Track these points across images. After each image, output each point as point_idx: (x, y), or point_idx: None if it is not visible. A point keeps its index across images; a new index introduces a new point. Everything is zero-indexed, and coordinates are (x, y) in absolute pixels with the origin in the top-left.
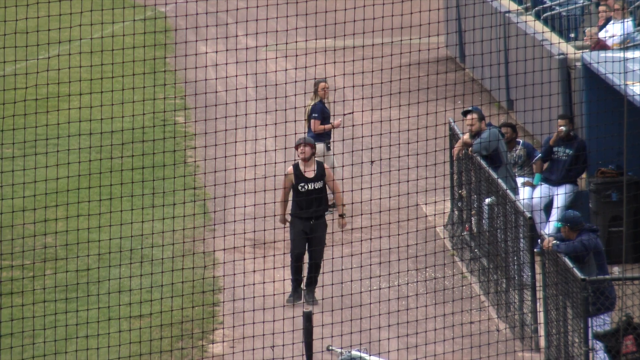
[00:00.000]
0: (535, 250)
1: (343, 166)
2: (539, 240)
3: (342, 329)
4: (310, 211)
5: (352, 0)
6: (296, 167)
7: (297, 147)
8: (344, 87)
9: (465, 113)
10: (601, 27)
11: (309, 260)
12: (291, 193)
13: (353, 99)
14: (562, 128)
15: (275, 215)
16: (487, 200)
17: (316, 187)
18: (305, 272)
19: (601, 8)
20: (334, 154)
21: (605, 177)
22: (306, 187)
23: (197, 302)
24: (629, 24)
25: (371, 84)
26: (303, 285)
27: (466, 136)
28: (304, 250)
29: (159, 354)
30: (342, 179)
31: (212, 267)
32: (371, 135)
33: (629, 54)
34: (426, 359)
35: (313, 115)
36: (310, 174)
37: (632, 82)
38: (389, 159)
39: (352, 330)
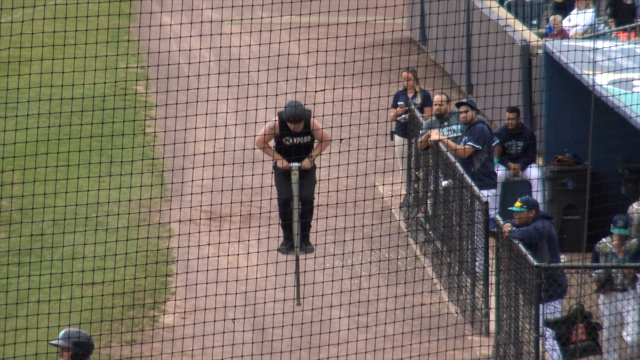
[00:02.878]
0: (490, 229)
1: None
2: (493, 222)
3: (294, 306)
4: (295, 158)
5: None
6: (282, 121)
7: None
8: (307, 66)
9: (459, 104)
10: (564, 16)
11: (301, 204)
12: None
13: (316, 77)
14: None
15: (232, 190)
16: (444, 183)
17: (302, 142)
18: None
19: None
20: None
21: (561, 164)
22: (291, 140)
23: (150, 272)
24: (589, 14)
25: (334, 63)
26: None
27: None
28: (291, 194)
29: (110, 322)
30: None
31: (167, 238)
32: (332, 114)
33: (591, 44)
34: (377, 339)
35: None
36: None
37: (594, 72)
38: (348, 138)
39: (304, 308)
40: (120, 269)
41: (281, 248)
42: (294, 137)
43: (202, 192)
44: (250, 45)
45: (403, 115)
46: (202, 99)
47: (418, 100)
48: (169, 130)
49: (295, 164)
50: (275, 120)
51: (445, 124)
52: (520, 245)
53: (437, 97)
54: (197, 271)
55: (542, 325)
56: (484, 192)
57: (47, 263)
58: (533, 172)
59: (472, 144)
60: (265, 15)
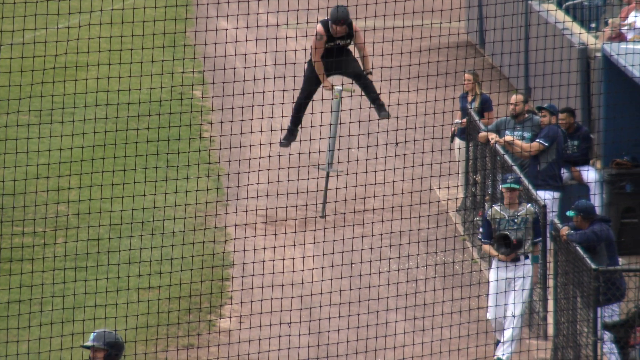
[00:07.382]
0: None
1: (358, 148)
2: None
3: (350, 309)
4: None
5: None
6: (326, 25)
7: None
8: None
9: (540, 109)
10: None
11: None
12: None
13: (373, 81)
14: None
15: (288, 194)
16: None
17: (343, 44)
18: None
19: None
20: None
21: (619, 168)
22: (332, 43)
23: (207, 276)
24: None
25: (390, 67)
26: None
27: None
28: (310, 98)
29: (167, 326)
30: (357, 160)
31: (224, 242)
32: (387, 118)
33: None
34: (434, 343)
35: None
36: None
37: None
38: (405, 142)
39: (359, 311)
40: (177, 273)
41: (282, 142)
42: (335, 40)
43: (258, 196)
44: (306, 49)
45: (461, 120)
46: (258, 103)
47: (476, 104)
48: (225, 134)
49: (338, 87)
50: (319, 27)
51: (518, 127)
52: (578, 249)
53: (513, 97)
54: (254, 275)
55: (600, 328)
56: (543, 193)
57: (104, 268)
58: (591, 176)
59: (540, 140)
60: (321, 18)
